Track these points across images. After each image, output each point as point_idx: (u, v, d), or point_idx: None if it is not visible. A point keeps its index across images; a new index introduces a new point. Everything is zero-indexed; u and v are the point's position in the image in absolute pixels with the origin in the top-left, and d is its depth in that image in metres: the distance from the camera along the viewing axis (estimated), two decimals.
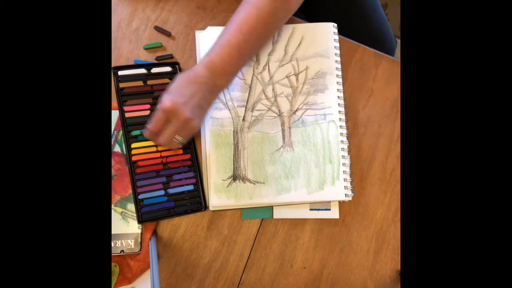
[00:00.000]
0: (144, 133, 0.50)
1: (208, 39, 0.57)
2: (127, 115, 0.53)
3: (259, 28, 0.49)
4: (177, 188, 0.52)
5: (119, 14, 0.59)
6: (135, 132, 0.53)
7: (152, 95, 0.54)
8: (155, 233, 0.54)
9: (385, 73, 0.60)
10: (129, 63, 0.57)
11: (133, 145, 0.52)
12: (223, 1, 0.61)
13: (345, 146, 0.56)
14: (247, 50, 0.51)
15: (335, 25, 0.59)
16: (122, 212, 0.52)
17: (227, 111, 0.55)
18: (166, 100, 0.46)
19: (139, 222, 0.50)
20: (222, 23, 0.59)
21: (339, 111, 0.56)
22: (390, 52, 0.79)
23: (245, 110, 0.55)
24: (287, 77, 0.57)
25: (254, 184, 0.53)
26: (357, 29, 0.72)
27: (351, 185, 0.55)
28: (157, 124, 0.47)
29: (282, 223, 0.56)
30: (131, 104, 0.53)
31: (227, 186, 0.53)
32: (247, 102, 0.55)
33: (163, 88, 0.54)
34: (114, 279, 0.51)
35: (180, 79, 0.49)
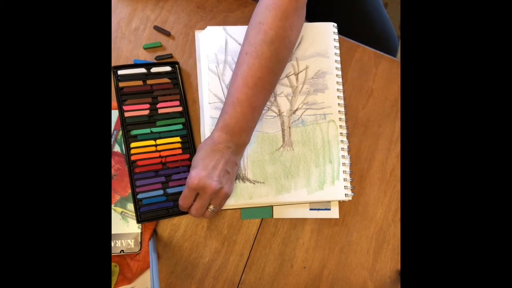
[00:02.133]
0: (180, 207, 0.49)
1: (207, 39, 0.57)
2: (126, 114, 0.53)
3: (265, 77, 0.48)
4: (176, 188, 0.52)
5: (119, 14, 0.59)
6: (135, 132, 0.53)
7: (151, 94, 0.54)
8: (155, 232, 0.54)
9: (385, 73, 0.60)
10: (128, 63, 0.57)
11: (132, 145, 0.52)
12: (222, 1, 0.61)
13: (345, 146, 0.56)
14: (259, 102, 0.49)
15: (335, 24, 0.59)
16: (122, 212, 0.52)
17: None
18: (192, 176, 0.45)
19: (138, 221, 0.50)
20: (222, 23, 0.59)
21: (339, 111, 0.56)
22: (393, 50, 0.78)
23: None
24: (287, 76, 0.57)
25: (254, 183, 0.53)
26: (359, 28, 0.72)
27: (351, 185, 0.55)
28: (186, 201, 0.47)
29: (282, 223, 0.55)
30: (130, 103, 0.53)
31: None
32: None
33: (162, 87, 0.55)
34: (114, 279, 0.51)
35: (201, 150, 0.48)
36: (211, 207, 0.48)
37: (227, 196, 0.48)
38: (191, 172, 0.46)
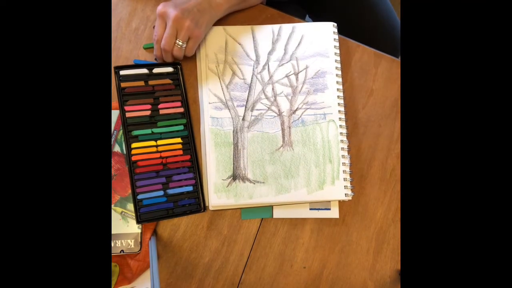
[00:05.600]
0: (154, 52, 0.54)
1: (207, 39, 0.57)
2: (127, 115, 0.53)
3: None
4: (176, 189, 0.52)
5: (119, 13, 0.59)
6: (136, 132, 0.53)
7: (153, 95, 0.54)
8: (155, 232, 0.54)
9: (385, 73, 0.60)
10: (128, 63, 0.57)
11: (133, 145, 0.52)
12: None
13: (345, 146, 0.56)
14: None
15: (335, 24, 0.59)
16: (122, 212, 0.52)
17: (227, 111, 0.55)
18: (160, 4, 0.50)
19: (138, 222, 0.50)
20: (222, 23, 0.59)
21: (339, 111, 0.56)
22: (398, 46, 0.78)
23: (245, 109, 0.55)
24: (287, 76, 0.57)
25: (254, 183, 0.53)
26: (364, 25, 0.72)
27: (351, 184, 0.55)
28: (158, 30, 0.52)
29: (282, 222, 0.55)
30: (132, 104, 0.53)
31: (227, 186, 0.53)
32: (246, 101, 0.55)
33: (164, 88, 0.55)
34: (114, 279, 0.51)
35: None
36: (179, 41, 0.52)
37: (191, 31, 0.51)
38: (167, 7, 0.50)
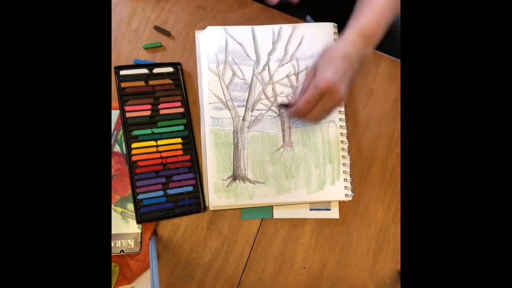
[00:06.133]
0: (288, 112, 0.47)
1: (208, 39, 0.57)
2: (128, 115, 0.53)
3: (397, 4, 0.47)
4: (176, 189, 0.52)
5: (119, 13, 0.59)
6: (136, 132, 0.53)
7: (153, 95, 0.54)
8: (155, 233, 0.54)
9: (385, 73, 0.60)
10: (128, 63, 0.57)
11: (134, 145, 0.52)
12: (223, 1, 0.61)
13: (345, 146, 0.56)
14: (390, 17, 0.47)
15: (335, 25, 0.59)
16: (122, 212, 0.52)
17: (227, 111, 0.55)
18: (324, 78, 0.42)
19: (138, 222, 0.50)
20: (222, 23, 0.59)
21: (339, 111, 0.56)
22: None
23: (245, 110, 0.55)
24: (287, 76, 0.57)
25: (254, 184, 0.53)
26: None
27: (351, 185, 0.55)
28: (310, 103, 0.44)
29: (282, 223, 0.55)
30: (132, 104, 0.53)
31: (227, 186, 0.53)
32: (247, 101, 0.55)
33: (164, 88, 0.55)
34: (114, 279, 0.51)
35: (332, 51, 0.45)
36: (326, 112, 0.46)
37: (342, 103, 0.47)
38: (322, 73, 0.44)
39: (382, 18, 0.46)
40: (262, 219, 0.55)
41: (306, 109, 0.45)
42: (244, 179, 0.53)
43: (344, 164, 0.55)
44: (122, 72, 0.54)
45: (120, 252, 0.51)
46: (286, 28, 0.58)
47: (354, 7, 0.51)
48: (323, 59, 0.46)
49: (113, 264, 0.51)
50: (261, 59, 0.57)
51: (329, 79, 0.42)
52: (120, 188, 0.53)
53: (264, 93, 0.56)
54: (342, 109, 0.56)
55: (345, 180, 0.54)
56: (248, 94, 0.56)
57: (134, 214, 0.51)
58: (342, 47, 0.45)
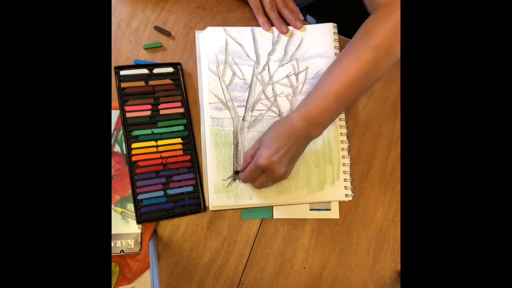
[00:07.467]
0: (240, 176, 0.51)
1: (208, 39, 0.57)
2: (128, 115, 0.53)
3: (360, 79, 0.47)
4: (176, 189, 0.52)
5: (119, 14, 0.59)
6: (136, 132, 0.53)
7: (153, 95, 0.54)
8: (155, 233, 0.54)
9: (385, 74, 0.60)
10: (129, 63, 0.57)
11: (134, 145, 0.52)
12: (223, 1, 0.61)
13: (345, 146, 0.56)
14: (345, 101, 0.48)
15: (335, 25, 0.59)
16: (122, 212, 0.52)
17: (227, 111, 0.55)
18: (263, 157, 0.46)
19: (138, 222, 0.50)
20: (222, 23, 0.59)
21: None
22: None
23: (245, 110, 0.55)
24: (287, 76, 0.57)
25: None
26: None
27: (351, 185, 0.55)
28: (253, 176, 0.49)
29: (282, 223, 0.56)
30: (132, 104, 0.53)
31: (227, 186, 0.53)
32: (247, 102, 0.55)
33: (164, 88, 0.55)
34: (114, 279, 0.51)
35: (275, 129, 0.48)
36: (270, 183, 0.50)
37: (285, 178, 0.49)
38: (262, 151, 0.47)
39: (334, 101, 0.47)
40: (262, 219, 0.55)
41: (250, 179, 0.49)
42: None
43: (344, 164, 0.55)
44: (122, 72, 0.54)
45: (120, 252, 0.51)
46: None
47: (354, 7, 0.51)
48: (268, 135, 0.48)
49: (113, 264, 0.51)
50: (261, 59, 0.57)
51: (267, 159, 0.46)
52: (120, 188, 0.53)
53: (264, 93, 0.56)
54: None
55: (345, 180, 0.54)
56: (248, 94, 0.56)
57: (134, 214, 0.51)
58: (288, 126, 0.48)
